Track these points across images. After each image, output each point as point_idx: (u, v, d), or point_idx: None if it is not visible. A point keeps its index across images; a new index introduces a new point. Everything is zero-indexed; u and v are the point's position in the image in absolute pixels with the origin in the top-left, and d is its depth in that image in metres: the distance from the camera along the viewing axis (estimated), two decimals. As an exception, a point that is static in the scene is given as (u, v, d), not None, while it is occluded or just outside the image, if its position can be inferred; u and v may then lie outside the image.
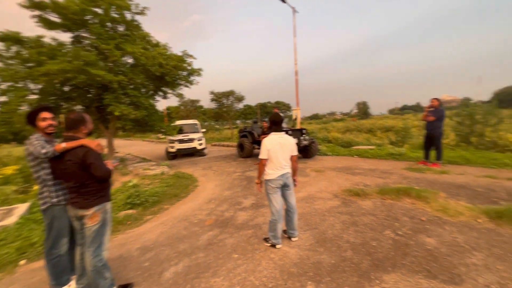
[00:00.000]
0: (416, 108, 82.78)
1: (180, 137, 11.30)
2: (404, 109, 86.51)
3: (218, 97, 22.54)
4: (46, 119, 2.19)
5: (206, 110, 32.03)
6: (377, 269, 2.40)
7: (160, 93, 9.91)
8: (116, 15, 7.62)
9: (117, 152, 12.57)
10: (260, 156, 2.82)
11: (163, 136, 12.11)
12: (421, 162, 6.64)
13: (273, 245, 2.92)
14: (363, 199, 4.28)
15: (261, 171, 2.89)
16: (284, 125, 8.86)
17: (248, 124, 52.03)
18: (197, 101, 32.27)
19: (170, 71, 8.26)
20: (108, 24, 7.77)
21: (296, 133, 8.53)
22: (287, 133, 8.03)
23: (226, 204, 4.64)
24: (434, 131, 6.21)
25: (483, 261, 2.40)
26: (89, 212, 2.01)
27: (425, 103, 6.30)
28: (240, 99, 23.40)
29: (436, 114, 6.16)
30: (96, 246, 2.04)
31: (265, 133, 7.87)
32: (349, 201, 4.24)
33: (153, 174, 7.46)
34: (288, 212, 3.00)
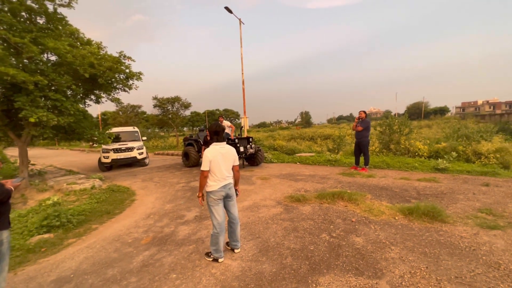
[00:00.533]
0: (350, 118, 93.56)
1: (116, 146, 10.22)
2: (340, 119, 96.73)
3: (162, 103, 21.24)
4: None
5: (149, 117, 29.85)
6: (314, 272, 2.52)
7: (92, 97, 8.80)
8: (33, 5, 6.52)
9: (33, 164, 10.61)
10: (202, 168, 2.71)
11: (97, 145, 10.73)
12: (353, 167, 7.44)
13: (215, 260, 2.82)
14: (303, 205, 4.52)
15: (202, 184, 2.77)
16: (228, 130, 8.87)
17: (195, 131, 50.49)
18: (139, 106, 29.86)
19: (104, 73, 7.41)
20: (23, 14, 6.61)
21: (243, 141, 8.61)
22: (233, 142, 8.05)
23: (167, 218, 4.32)
24: (362, 140, 7.05)
25: (399, 254, 2.76)
26: (-25, 245, 1.59)
27: (357, 114, 7.17)
28: (186, 106, 22.50)
29: (363, 124, 7.01)
30: (-16, 288, 1.62)
31: (206, 142, 7.72)
32: (291, 207, 4.43)
33: (81, 189, 6.52)
34: (230, 223, 2.95)
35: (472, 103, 74.12)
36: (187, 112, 25.31)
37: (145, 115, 33.50)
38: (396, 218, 3.71)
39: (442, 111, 63.81)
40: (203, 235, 3.54)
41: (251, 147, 8.72)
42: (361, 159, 7.35)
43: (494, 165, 7.01)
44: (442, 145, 9.17)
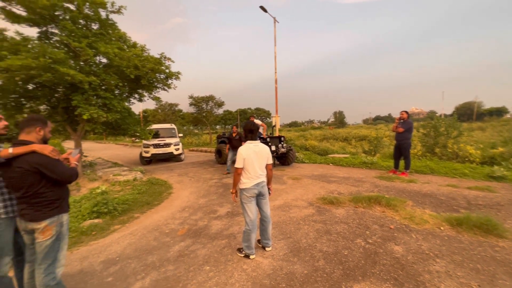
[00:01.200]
0: (388, 119, 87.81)
1: (155, 141, 10.94)
2: (377, 120, 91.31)
3: (197, 101, 22.21)
4: None
5: (185, 115, 31.39)
6: (348, 278, 2.43)
7: (136, 96, 9.53)
8: (90, 13, 7.26)
9: (85, 156, 11.83)
10: (236, 165, 2.77)
11: (138, 140, 11.62)
12: (391, 171, 6.97)
13: (247, 256, 2.86)
14: (337, 207, 4.37)
15: (236, 181, 2.84)
16: (261, 130, 8.92)
17: (227, 129, 51.60)
18: (176, 104, 31.55)
19: (147, 73, 7.98)
20: (81, 21, 7.39)
21: (274, 140, 8.60)
22: (265, 140, 8.08)
23: (201, 212, 4.51)
24: (403, 142, 6.56)
25: (445, 268, 2.53)
26: (41, 225, 1.81)
27: (396, 114, 6.69)
28: (220, 104, 23.25)
29: (405, 125, 6.53)
30: (49, 263, 1.84)
31: (234, 137, 7.91)
32: (324, 209, 4.31)
33: (125, 180, 7.09)
34: (262, 221, 2.97)
35: (538, 103, 64.49)
36: (220, 111, 26.12)
37: (181, 113, 35.31)
38: (442, 228, 3.39)
39: (499, 112, 56.44)
40: (235, 231, 3.61)
41: (282, 147, 8.67)
42: (401, 162, 6.86)
43: None
44: (499, 150, 8.14)
